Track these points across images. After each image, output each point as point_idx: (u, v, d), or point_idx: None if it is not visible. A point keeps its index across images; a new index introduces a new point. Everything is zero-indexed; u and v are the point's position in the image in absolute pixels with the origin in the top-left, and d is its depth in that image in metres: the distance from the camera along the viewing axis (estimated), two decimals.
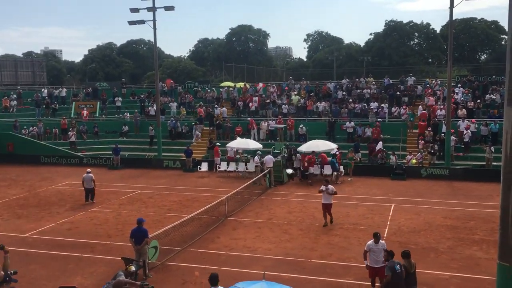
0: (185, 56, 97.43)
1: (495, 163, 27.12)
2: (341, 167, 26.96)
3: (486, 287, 12.13)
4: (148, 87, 51.60)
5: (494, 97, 33.85)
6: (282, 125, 33.33)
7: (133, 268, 10.28)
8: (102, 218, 19.62)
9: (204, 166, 30.34)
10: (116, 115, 41.73)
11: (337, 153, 27.53)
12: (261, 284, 7.27)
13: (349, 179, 26.75)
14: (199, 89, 44.28)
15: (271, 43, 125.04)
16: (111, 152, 33.31)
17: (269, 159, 26.17)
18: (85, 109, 41.79)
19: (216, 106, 39.27)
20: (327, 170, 26.95)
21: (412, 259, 11.20)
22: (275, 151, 28.95)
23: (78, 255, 15.14)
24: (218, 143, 31.90)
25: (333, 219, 18.23)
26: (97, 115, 42.19)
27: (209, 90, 43.24)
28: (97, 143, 38.07)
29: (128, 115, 40.61)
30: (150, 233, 13.68)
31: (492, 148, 27.72)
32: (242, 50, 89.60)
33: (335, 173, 26.48)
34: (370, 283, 12.05)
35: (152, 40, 34.69)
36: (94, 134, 38.65)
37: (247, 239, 16.53)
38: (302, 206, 21.12)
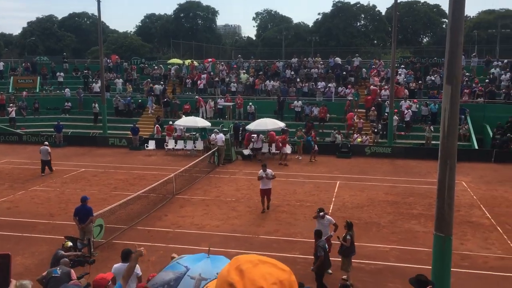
0: (131, 31, 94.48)
1: (434, 142, 28.37)
2: (316, 145, 27.38)
3: (423, 258, 12.78)
4: (92, 62, 49.77)
5: (434, 79, 35.22)
6: (231, 103, 33.21)
7: (69, 243, 10.17)
8: (43, 197, 18.97)
9: (152, 144, 29.83)
10: (58, 91, 40.07)
11: (313, 132, 28.80)
12: (205, 262, 7.18)
13: (299, 158, 27.07)
14: (146, 65, 43.23)
15: (220, 21, 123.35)
16: (53, 129, 32.08)
17: (220, 137, 26.11)
18: (26, 89, 39.69)
19: (161, 83, 38.53)
20: (274, 149, 27.40)
21: (356, 233, 11.71)
22: (224, 129, 28.94)
23: (19, 234, 14.63)
24: (170, 122, 31.39)
25: (270, 205, 17.38)
26: (37, 91, 40.33)
27: (156, 67, 42.32)
28: (38, 120, 36.51)
29: (69, 91, 39.01)
30: (95, 211, 13.40)
31: (432, 128, 28.96)
32: (190, 27, 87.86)
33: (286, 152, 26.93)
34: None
35: (96, 13, 33.32)
36: (34, 111, 36.99)
37: (195, 217, 16.54)
38: (250, 183, 21.27)
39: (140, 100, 37.03)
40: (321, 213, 12.27)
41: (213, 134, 26.95)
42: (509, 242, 14.33)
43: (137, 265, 8.95)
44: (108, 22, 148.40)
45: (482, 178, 22.61)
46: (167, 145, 29.22)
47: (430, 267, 8.85)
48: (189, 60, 45.83)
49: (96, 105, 35.10)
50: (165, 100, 35.57)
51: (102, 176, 22.71)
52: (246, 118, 33.38)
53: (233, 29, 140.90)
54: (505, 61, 37.49)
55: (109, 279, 7.67)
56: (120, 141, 31.35)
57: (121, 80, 39.85)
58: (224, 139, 26.13)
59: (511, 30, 65.41)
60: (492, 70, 35.55)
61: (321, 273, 10.88)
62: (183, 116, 32.23)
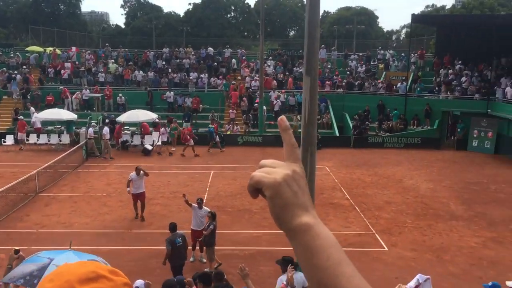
0: None
1: (300, 130, 30.06)
2: (217, 136, 27.26)
3: None
4: None
5: (300, 70, 37.24)
6: (99, 95, 31.68)
7: None
8: None
9: (9, 139, 27.26)
10: None
11: (215, 123, 28.65)
12: (68, 254, 6.89)
13: (173, 149, 26.77)
14: (1, 53, 39.27)
15: (86, 7, 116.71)
16: None
17: (105, 131, 24.92)
18: None
19: (16, 72, 35.29)
20: (149, 140, 26.78)
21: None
22: (92, 121, 27.51)
23: None
24: (21, 117, 28.74)
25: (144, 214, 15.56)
26: None
27: (12, 55, 38.67)
28: None
29: None
30: None
31: (299, 117, 30.62)
32: (51, 12, 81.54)
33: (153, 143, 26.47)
34: (191, 247, 12.53)
35: None
36: None
37: (61, 215, 15.59)
38: (122, 177, 20.54)
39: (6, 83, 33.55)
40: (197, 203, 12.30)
41: (90, 128, 25.60)
42: (365, 220, 15.86)
43: None
44: None
45: (342, 163, 24.61)
46: (27, 140, 26.98)
47: None
48: (51, 48, 42.62)
49: None
50: (24, 90, 32.71)
51: None
52: (116, 110, 32.10)
53: (100, 16, 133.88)
54: (361, 54, 41.04)
55: None
56: None
57: None
58: (108, 132, 25.06)
59: (366, 26, 71.64)
60: (350, 63, 38.65)
61: (177, 265, 10.75)
62: (32, 108, 30.00)
